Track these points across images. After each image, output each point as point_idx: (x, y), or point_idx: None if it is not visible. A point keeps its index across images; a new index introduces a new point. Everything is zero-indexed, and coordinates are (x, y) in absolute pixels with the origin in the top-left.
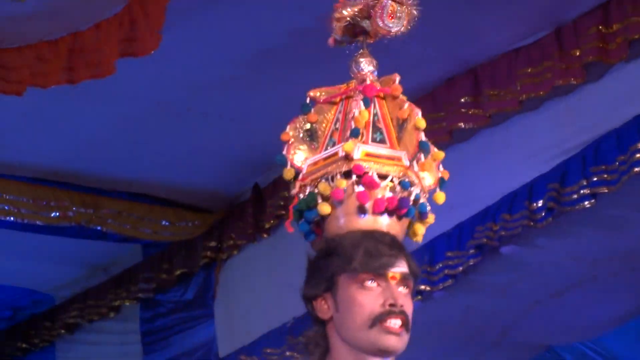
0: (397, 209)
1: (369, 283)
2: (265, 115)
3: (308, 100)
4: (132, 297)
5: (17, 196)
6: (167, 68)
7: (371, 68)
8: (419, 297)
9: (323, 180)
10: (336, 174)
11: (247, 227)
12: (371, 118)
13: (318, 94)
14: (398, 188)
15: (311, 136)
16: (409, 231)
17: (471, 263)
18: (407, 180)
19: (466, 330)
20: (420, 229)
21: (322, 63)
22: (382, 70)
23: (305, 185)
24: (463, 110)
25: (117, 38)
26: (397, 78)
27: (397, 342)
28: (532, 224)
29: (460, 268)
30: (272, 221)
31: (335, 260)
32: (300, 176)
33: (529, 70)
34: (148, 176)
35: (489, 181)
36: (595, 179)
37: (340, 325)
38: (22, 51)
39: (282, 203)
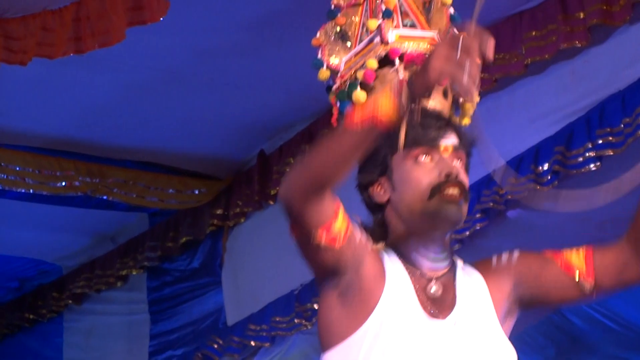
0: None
1: (422, 158)
2: (271, 82)
3: (333, 7)
4: (139, 266)
5: (23, 167)
6: (172, 35)
7: None
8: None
9: (361, 69)
10: (371, 57)
11: (253, 194)
12: (398, 5)
13: (342, 0)
14: None
15: (343, 37)
16: (458, 114)
17: (478, 227)
18: None
19: None
20: (469, 109)
21: None
22: None
23: (345, 81)
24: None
25: (124, 6)
26: None
27: (458, 210)
28: (538, 187)
29: (467, 233)
30: (278, 188)
31: (385, 142)
32: (339, 74)
33: (534, 34)
34: (154, 144)
35: (495, 145)
36: (600, 141)
37: (399, 204)
38: (26, 21)
39: (288, 169)
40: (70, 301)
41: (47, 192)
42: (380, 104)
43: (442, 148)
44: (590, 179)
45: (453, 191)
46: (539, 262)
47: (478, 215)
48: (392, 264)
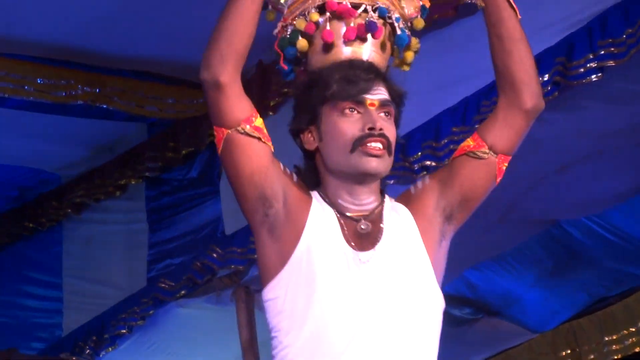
0: (368, 31)
1: (348, 110)
2: None
3: None
4: (137, 175)
5: (22, 75)
6: None
7: None
8: (425, 172)
9: (300, 17)
10: (310, 9)
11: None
12: None
13: None
14: (374, 15)
15: None
16: (399, 61)
17: None
18: (382, 6)
19: None
20: (409, 56)
21: None
22: None
23: (286, 25)
24: None
25: None
26: None
27: (378, 163)
28: None
29: None
30: (277, 98)
31: (315, 91)
32: (282, 17)
33: None
34: (153, 53)
35: None
36: (602, 52)
37: (325, 154)
38: None
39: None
40: (69, 210)
41: (46, 100)
42: None
43: (368, 102)
44: (592, 90)
45: (376, 144)
46: (446, 168)
47: (477, 126)
48: (320, 202)
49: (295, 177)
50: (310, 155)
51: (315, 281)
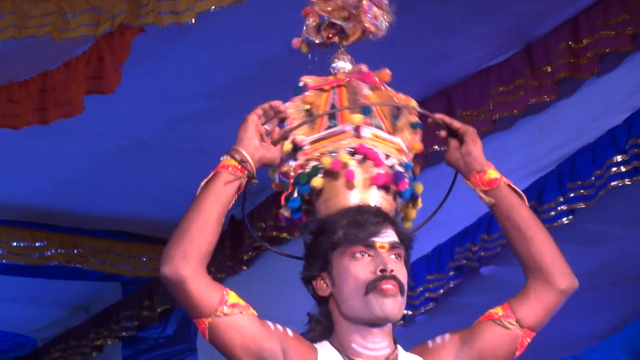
0: (394, 182)
1: (359, 254)
2: None
3: (301, 84)
4: (114, 335)
5: None
6: (139, 104)
7: (350, 65)
8: (401, 322)
9: (328, 155)
10: (343, 149)
11: (225, 260)
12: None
13: (309, 80)
14: (398, 168)
15: (309, 116)
16: (402, 216)
17: (452, 285)
18: (409, 162)
19: None
20: (412, 214)
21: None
22: None
23: (309, 160)
24: (436, 132)
25: (85, 76)
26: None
27: (393, 304)
28: None
29: (441, 290)
30: (250, 253)
31: (325, 237)
32: (302, 150)
33: (501, 89)
34: (126, 213)
35: (466, 202)
36: (572, 194)
37: (338, 299)
38: None
39: (259, 234)
40: None
41: (21, 262)
42: (221, 162)
43: (378, 245)
44: (563, 232)
45: (387, 286)
46: (468, 329)
47: (452, 273)
48: (327, 351)
49: (290, 331)
50: (323, 301)
51: None
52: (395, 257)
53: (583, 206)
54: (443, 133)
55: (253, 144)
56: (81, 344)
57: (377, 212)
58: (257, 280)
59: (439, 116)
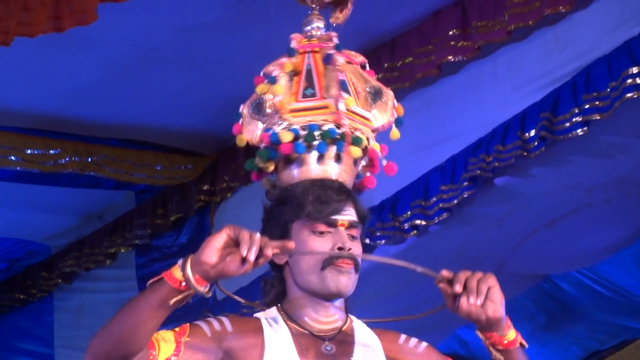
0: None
1: (319, 229)
2: (253, 57)
3: (293, 44)
4: (127, 243)
5: (10, 146)
6: (153, 13)
7: (321, 25)
8: (415, 232)
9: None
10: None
11: (239, 170)
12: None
13: (298, 41)
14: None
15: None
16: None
17: (465, 195)
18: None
19: (463, 263)
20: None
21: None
22: (370, 6)
23: (284, 120)
24: (451, 43)
25: None
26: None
27: (347, 281)
28: (525, 154)
29: (455, 201)
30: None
31: (287, 208)
32: (281, 106)
33: (517, 0)
34: (140, 122)
35: (481, 113)
36: (587, 106)
37: (294, 270)
38: (7, 2)
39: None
40: (59, 280)
41: (35, 170)
42: (172, 270)
43: (339, 223)
44: (578, 144)
45: (344, 263)
46: None
47: (465, 184)
48: (276, 331)
49: (228, 325)
50: (278, 268)
51: None
52: (352, 236)
53: (598, 118)
54: (458, 288)
55: (210, 262)
56: (95, 252)
57: (340, 188)
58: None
59: (446, 275)
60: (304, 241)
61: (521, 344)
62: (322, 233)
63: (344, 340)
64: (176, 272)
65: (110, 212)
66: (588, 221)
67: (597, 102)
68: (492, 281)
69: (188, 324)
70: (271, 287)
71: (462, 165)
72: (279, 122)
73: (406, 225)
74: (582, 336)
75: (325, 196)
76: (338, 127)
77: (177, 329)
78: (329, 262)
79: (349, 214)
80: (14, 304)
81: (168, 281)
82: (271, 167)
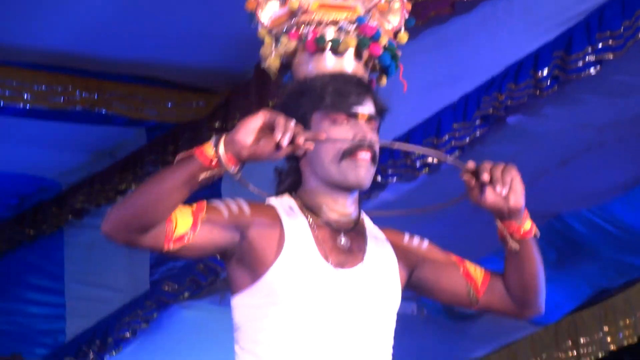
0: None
1: (339, 121)
2: None
3: None
4: (138, 180)
5: (20, 82)
6: None
7: None
8: (426, 169)
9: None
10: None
11: (251, 107)
12: None
13: None
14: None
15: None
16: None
17: (478, 134)
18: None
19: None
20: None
21: None
22: None
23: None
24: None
25: None
26: None
27: (366, 173)
28: (538, 92)
29: (467, 139)
30: (275, 99)
31: (306, 100)
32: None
33: None
34: (151, 58)
35: (494, 52)
36: (600, 45)
37: (312, 161)
38: None
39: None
40: (70, 216)
41: (45, 107)
42: (204, 146)
43: (359, 115)
44: (591, 83)
45: (364, 155)
46: (444, 259)
47: (478, 122)
48: (293, 219)
49: (246, 208)
50: (295, 159)
51: (290, 300)
52: (371, 126)
53: (611, 57)
54: (486, 177)
55: (244, 142)
56: (105, 189)
57: (359, 82)
58: None
59: (471, 166)
60: (324, 132)
61: (535, 235)
62: (342, 124)
63: (358, 234)
64: (208, 148)
65: (122, 148)
66: (600, 160)
67: (610, 41)
68: (514, 172)
69: (205, 202)
70: (286, 176)
71: (474, 103)
72: (306, 17)
73: (418, 163)
74: (592, 274)
75: (344, 89)
76: (359, 25)
77: (194, 206)
78: (348, 153)
79: (368, 107)
80: (24, 239)
81: (198, 157)
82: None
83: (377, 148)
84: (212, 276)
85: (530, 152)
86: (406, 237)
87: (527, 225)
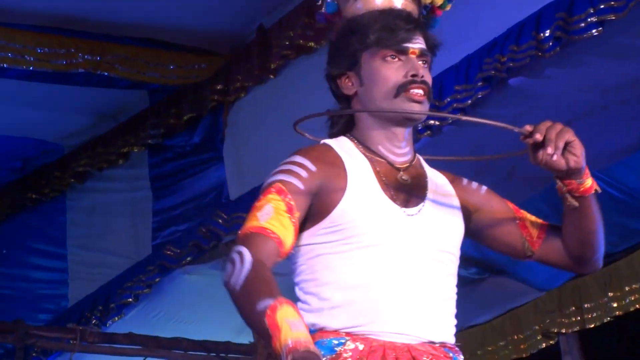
0: None
1: (390, 58)
2: None
3: None
4: (140, 143)
5: (22, 44)
6: None
7: None
8: (428, 132)
9: None
10: None
11: (253, 69)
12: None
13: None
14: None
15: None
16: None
17: (480, 96)
18: None
19: (476, 164)
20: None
21: None
22: None
23: None
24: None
25: None
26: None
27: (420, 109)
28: (540, 54)
29: (469, 101)
30: (278, 62)
31: (355, 38)
32: None
33: None
34: (154, 20)
35: (495, 13)
36: (602, 6)
37: (365, 98)
38: None
39: (287, 43)
40: (72, 180)
41: (47, 69)
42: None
43: (410, 50)
44: (593, 45)
45: (418, 91)
46: (502, 207)
47: (480, 84)
48: (353, 158)
49: (311, 166)
50: (346, 99)
51: (359, 237)
52: (423, 63)
53: (613, 18)
54: (538, 137)
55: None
56: (108, 151)
57: (409, 17)
58: (285, 88)
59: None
60: (376, 69)
61: (596, 190)
62: (393, 60)
63: (416, 172)
64: (278, 346)
65: (124, 111)
66: (603, 123)
67: (612, 2)
68: (570, 134)
69: (279, 185)
70: (339, 117)
71: (476, 65)
72: None
73: (420, 126)
74: None
75: (394, 24)
76: None
77: (281, 202)
78: (402, 89)
79: (419, 43)
80: (26, 203)
81: (272, 344)
82: None
83: (430, 83)
84: (214, 240)
85: (532, 114)
86: (465, 180)
87: (588, 182)
